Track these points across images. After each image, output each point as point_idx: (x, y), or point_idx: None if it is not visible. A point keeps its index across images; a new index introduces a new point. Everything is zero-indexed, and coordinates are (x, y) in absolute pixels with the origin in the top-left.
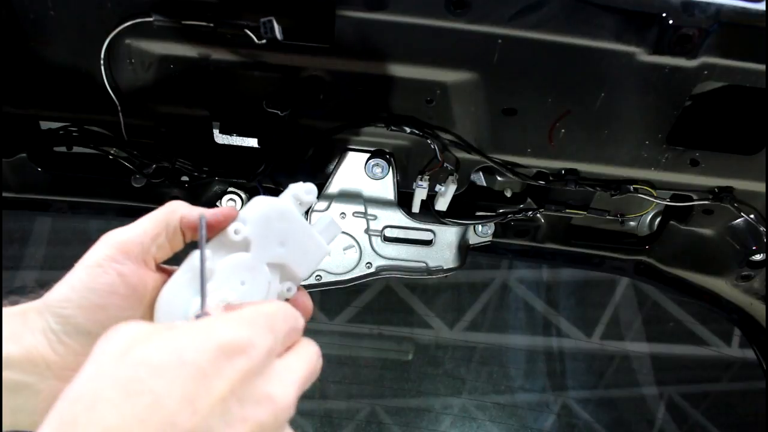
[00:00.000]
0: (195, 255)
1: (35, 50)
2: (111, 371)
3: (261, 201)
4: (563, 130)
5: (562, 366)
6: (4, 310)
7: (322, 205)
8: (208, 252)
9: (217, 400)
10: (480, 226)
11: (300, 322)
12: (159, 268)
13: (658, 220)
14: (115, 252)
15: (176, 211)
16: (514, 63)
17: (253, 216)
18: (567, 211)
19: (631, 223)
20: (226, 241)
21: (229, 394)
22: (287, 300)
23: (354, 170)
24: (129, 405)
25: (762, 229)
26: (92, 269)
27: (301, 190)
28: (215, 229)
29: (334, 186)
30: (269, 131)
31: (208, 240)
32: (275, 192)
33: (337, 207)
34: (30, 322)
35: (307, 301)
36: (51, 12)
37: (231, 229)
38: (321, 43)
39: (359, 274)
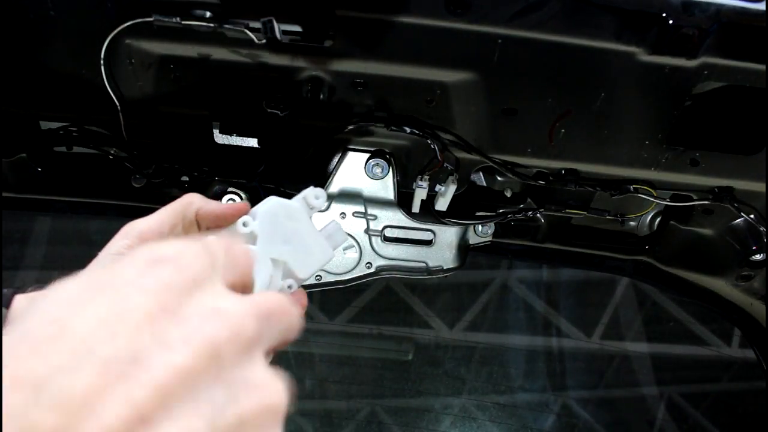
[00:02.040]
0: None
1: (35, 50)
2: (22, 324)
3: (272, 199)
4: (563, 130)
5: (562, 366)
6: (31, 294)
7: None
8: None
9: (143, 317)
10: (480, 226)
11: (242, 256)
12: None
13: (658, 220)
14: (135, 241)
15: (192, 203)
16: (514, 63)
17: (262, 212)
18: (567, 211)
19: (631, 223)
20: (234, 232)
21: (158, 310)
22: None
23: (354, 170)
24: (34, 349)
25: (762, 229)
26: (113, 257)
27: (311, 194)
28: (227, 221)
29: (334, 186)
30: (269, 131)
31: (218, 229)
32: (276, 191)
33: (337, 207)
34: None
35: (303, 299)
36: (51, 12)
37: (240, 221)
38: (321, 43)
39: (359, 274)
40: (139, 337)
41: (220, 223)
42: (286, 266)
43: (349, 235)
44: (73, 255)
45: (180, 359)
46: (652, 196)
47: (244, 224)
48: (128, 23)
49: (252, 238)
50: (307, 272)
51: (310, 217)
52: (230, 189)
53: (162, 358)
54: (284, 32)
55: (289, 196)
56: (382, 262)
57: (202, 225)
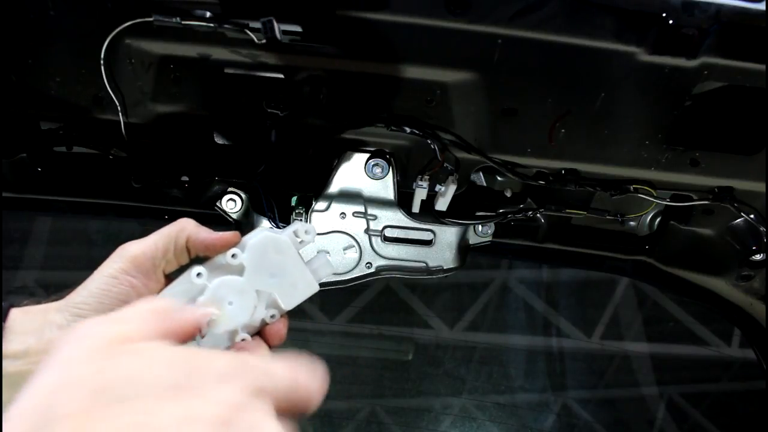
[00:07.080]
0: (192, 269)
1: (35, 50)
2: (81, 376)
3: (262, 232)
4: (563, 130)
5: (562, 366)
6: (27, 308)
7: (323, 205)
8: (203, 269)
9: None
10: (480, 226)
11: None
12: (166, 279)
13: (658, 220)
14: (129, 265)
15: (184, 229)
16: (514, 63)
17: (251, 244)
18: (567, 211)
19: (631, 223)
20: (223, 262)
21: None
22: (266, 325)
23: (354, 170)
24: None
25: (762, 229)
26: (108, 279)
27: (302, 229)
28: (217, 251)
29: (334, 186)
30: (269, 131)
31: (207, 259)
32: (277, 191)
33: (337, 207)
34: (51, 319)
35: (282, 330)
36: (51, 12)
37: (229, 253)
38: (321, 43)
39: (359, 274)
40: None
41: (210, 253)
42: (270, 297)
43: (349, 235)
44: (73, 255)
45: None
46: (652, 196)
47: (233, 256)
48: (128, 23)
49: (240, 270)
50: (290, 304)
51: (299, 251)
52: (230, 189)
53: None
54: (284, 32)
55: (289, 198)
56: (382, 262)
57: (192, 252)
